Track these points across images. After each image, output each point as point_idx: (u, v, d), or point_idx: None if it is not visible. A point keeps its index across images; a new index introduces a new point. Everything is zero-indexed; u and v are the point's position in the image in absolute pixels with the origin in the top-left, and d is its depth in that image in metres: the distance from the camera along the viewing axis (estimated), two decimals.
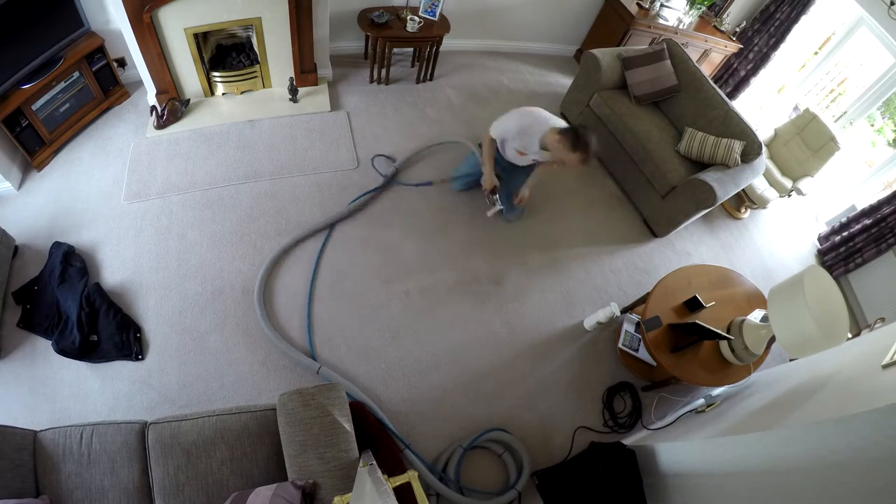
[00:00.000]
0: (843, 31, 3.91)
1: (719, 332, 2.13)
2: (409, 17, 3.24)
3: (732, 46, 4.20)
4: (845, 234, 3.48)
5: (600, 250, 3.07)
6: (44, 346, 2.10)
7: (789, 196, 3.54)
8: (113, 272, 2.35)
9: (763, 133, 3.60)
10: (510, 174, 2.78)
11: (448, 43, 3.62)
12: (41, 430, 1.58)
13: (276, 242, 2.57)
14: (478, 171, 2.80)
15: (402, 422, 2.18)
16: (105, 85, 2.88)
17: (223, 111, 3.10)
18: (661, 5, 3.98)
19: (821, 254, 3.67)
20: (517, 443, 2.17)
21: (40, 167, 2.63)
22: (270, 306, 2.38)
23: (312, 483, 1.48)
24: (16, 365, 2.05)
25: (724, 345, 2.21)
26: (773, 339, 2.07)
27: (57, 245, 2.33)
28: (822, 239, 3.75)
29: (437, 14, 3.35)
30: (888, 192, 3.36)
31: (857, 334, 2.52)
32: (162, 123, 2.90)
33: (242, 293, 2.39)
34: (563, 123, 2.36)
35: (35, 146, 2.57)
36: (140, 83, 2.95)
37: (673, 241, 3.28)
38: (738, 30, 4.29)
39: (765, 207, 3.56)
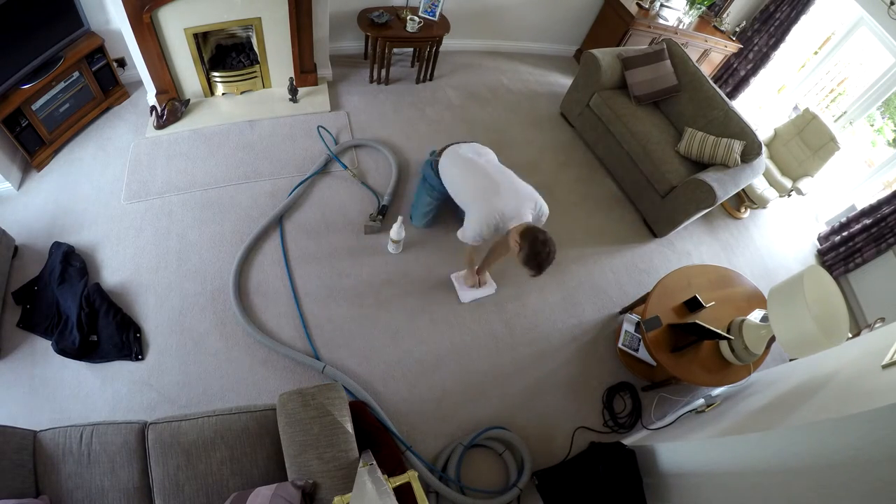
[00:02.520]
0: (843, 30, 3.91)
1: (719, 332, 2.13)
2: (408, 17, 3.24)
3: (732, 46, 4.20)
4: (845, 233, 3.48)
5: (600, 250, 3.07)
6: (44, 346, 2.10)
7: (789, 196, 3.54)
8: (113, 272, 2.35)
9: (763, 133, 3.60)
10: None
11: (448, 43, 3.62)
12: (41, 430, 1.57)
13: (276, 242, 2.58)
14: (436, 196, 2.53)
15: (402, 421, 2.18)
16: (105, 85, 2.88)
17: (223, 111, 3.10)
18: (661, 5, 3.98)
19: (821, 254, 3.67)
20: (518, 440, 2.17)
21: (40, 167, 2.63)
22: (265, 307, 2.38)
23: (312, 483, 1.48)
24: (16, 365, 2.05)
25: (724, 345, 2.21)
26: (772, 339, 2.07)
27: (57, 245, 2.33)
28: (821, 239, 3.75)
29: (437, 14, 3.35)
30: (888, 191, 3.36)
31: (857, 334, 2.52)
32: (162, 123, 2.90)
33: (250, 284, 2.40)
34: (528, 215, 2.07)
35: (35, 146, 2.57)
36: (140, 83, 2.95)
37: (673, 241, 3.28)
38: (737, 30, 4.29)
39: (765, 207, 3.56)
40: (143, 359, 2.14)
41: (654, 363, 2.38)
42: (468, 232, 2.13)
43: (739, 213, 3.66)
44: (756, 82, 4.38)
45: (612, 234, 3.18)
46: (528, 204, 2.10)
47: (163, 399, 2.06)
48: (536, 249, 1.91)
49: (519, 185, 2.17)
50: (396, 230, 2.50)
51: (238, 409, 1.68)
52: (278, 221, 2.66)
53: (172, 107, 2.91)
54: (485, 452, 2.20)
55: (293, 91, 3.16)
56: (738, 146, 2.98)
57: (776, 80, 4.58)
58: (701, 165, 3.10)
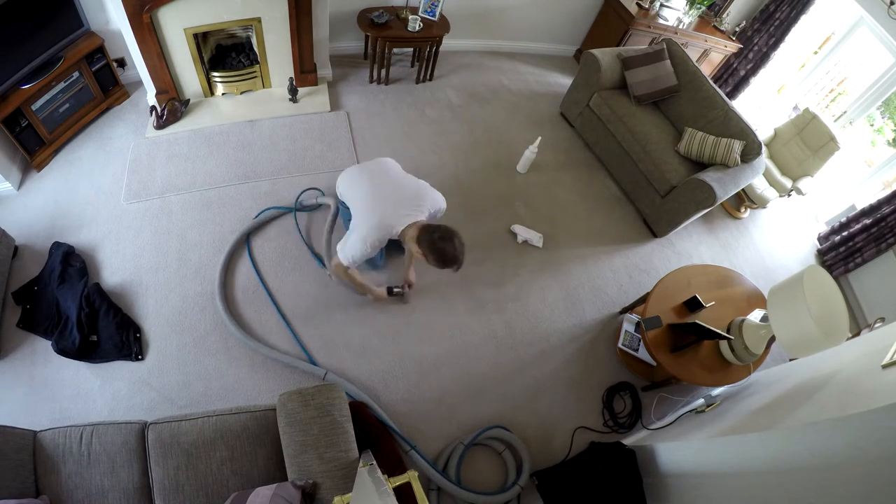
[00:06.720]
0: (843, 30, 3.91)
1: (719, 332, 2.13)
2: (409, 17, 3.24)
3: (732, 46, 4.20)
4: (845, 233, 3.48)
5: (600, 250, 3.07)
6: (44, 346, 2.10)
7: (789, 196, 3.54)
8: (113, 272, 2.35)
9: (763, 133, 3.60)
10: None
11: (448, 43, 3.62)
12: (41, 431, 1.57)
13: (277, 243, 2.58)
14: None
15: (402, 422, 2.17)
16: (105, 85, 2.87)
17: (223, 111, 3.10)
18: (661, 5, 3.98)
19: (821, 253, 3.67)
20: (517, 440, 2.17)
21: (40, 167, 2.63)
22: (262, 310, 2.38)
23: (312, 483, 1.48)
24: (16, 365, 2.05)
25: (724, 345, 2.21)
26: (772, 339, 2.07)
27: (57, 245, 2.33)
28: (821, 238, 3.75)
29: (437, 14, 3.35)
30: (888, 191, 3.36)
31: (857, 334, 2.52)
32: (162, 123, 2.90)
33: (242, 293, 2.39)
34: (420, 215, 1.89)
35: (35, 146, 2.57)
36: (140, 83, 2.95)
37: (673, 241, 3.28)
38: (737, 29, 4.29)
39: (764, 207, 3.56)
40: (143, 359, 2.14)
41: (654, 363, 2.38)
42: (347, 250, 1.88)
43: (739, 213, 3.66)
44: (756, 82, 4.38)
45: (612, 234, 3.18)
46: (409, 204, 1.88)
47: (163, 399, 2.06)
48: (440, 250, 1.76)
49: (404, 185, 1.94)
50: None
51: (238, 409, 1.68)
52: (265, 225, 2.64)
53: (172, 107, 2.91)
54: (485, 452, 2.20)
55: (293, 91, 3.16)
56: (738, 146, 2.98)
57: (776, 79, 4.58)
58: (701, 165, 3.10)
